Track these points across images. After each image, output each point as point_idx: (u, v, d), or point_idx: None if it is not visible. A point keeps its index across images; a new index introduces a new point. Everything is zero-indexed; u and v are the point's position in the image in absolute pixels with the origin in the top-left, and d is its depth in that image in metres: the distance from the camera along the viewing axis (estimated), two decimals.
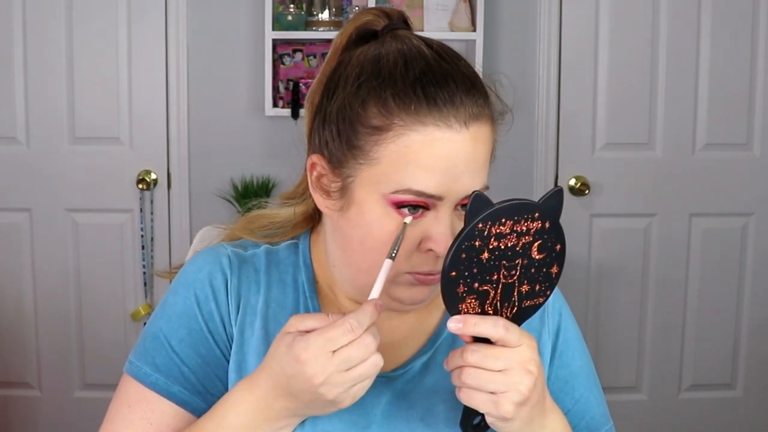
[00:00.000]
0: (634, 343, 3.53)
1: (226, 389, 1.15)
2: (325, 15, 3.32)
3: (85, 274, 3.42)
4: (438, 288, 1.12)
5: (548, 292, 1.04)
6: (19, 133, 3.35)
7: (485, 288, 1.00)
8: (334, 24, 3.32)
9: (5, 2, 3.27)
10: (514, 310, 1.03)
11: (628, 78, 3.40)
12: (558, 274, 1.03)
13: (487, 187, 1.09)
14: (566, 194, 2.99)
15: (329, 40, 3.31)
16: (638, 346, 3.54)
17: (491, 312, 1.02)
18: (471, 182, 1.07)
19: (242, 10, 3.35)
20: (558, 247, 1.02)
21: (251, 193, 3.30)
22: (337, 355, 0.97)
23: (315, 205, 1.24)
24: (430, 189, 1.05)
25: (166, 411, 1.14)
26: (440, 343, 1.21)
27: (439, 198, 1.06)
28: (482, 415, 1.03)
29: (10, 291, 3.42)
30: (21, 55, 3.30)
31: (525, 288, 1.02)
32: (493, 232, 0.97)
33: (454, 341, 1.20)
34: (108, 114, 3.36)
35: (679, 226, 3.48)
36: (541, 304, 1.05)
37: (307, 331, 1.00)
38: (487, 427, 1.05)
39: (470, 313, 1.01)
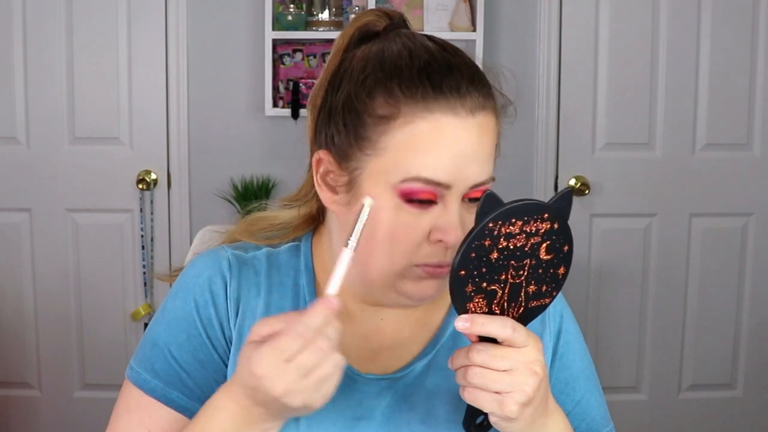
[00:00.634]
0: (634, 343, 3.54)
1: None
2: (325, 15, 3.32)
3: (85, 274, 3.42)
4: (445, 285, 1.13)
5: (554, 293, 1.04)
6: (19, 133, 3.35)
7: (493, 287, 1.00)
8: (334, 24, 3.32)
9: (5, 2, 3.27)
10: (521, 311, 1.04)
11: (628, 78, 3.40)
12: (565, 275, 1.04)
13: (493, 179, 1.10)
14: None
15: (329, 40, 3.33)
16: (638, 346, 3.54)
17: (498, 311, 1.02)
18: (478, 171, 1.08)
19: (242, 10, 3.35)
20: (566, 248, 1.02)
21: (251, 193, 3.30)
22: (292, 365, 0.94)
23: (318, 206, 1.24)
24: (439, 176, 1.06)
25: (164, 416, 1.14)
26: (442, 345, 1.21)
27: (448, 186, 1.06)
28: (485, 414, 1.04)
29: (10, 291, 3.41)
30: (21, 55, 3.30)
31: (532, 288, 1.02)
32: (503, 231, 0.97)
33: (455, 343, 1.20)
34: (108, 114, 3.36)
35: (679, 226, 3.48)
36: (547, 305, 1.05)
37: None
38: (489, 426, 1.06)
39: (477, 313, 1.01)
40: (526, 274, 1.01)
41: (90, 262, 3.42)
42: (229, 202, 3.36)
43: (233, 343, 1.17)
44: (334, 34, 3.31)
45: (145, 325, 3.35)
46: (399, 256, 1.09)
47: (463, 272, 0.98)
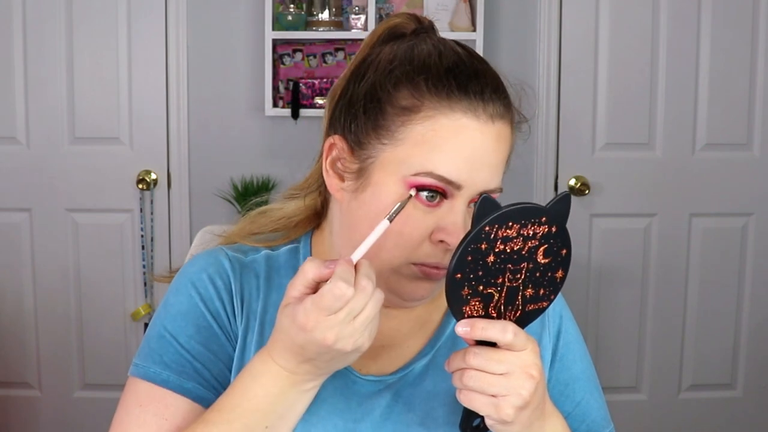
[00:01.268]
0: (634, 343, 3.54)
1: None
2: (325, 15, 3.32)
3: (85, 274, 3.42)
4: (438, 288, 1.13)
5: (552, 297, 1.04)
6: (19, 133, 3.35)
7: (490, 291, 1.00)
8: (334, 24, 3.32)
9: (5, 2, 3.27)
10: (518, 314, 1.03)
11: (628, 78, 3.40)
12: (563, 279, 1.04)
13: (501, 189, 1.11)
14: None
15: (329, 40, 3.33)
16: (638, 346, 3.54)
17: (495, 315, 1.02)
18: (489, 178, 1.09)
19: (242, 10, 3.35)
20: (564, 251, 1.02)
21: (251, 193, 3.30)
22: (340, 312, 0.96)
23: (322, 201, 1.24)
24: (451, 175, 1.07)
25: (181, 406, 1.13)
26: (440, 346, 1.21)
27: (458, 187, 1.07)
28: (482, 417, 1.03)
29: (10, 291, 3.42)
30: (21, 55, 3.30)
31: (529, 292, 1.02)
32: (500, 235, 0.97)
33: (454, 343, 1.20)
34: (108, 114, 3.36)
35: (679, 226, 3.48)
36: (544, 309, 1.05)
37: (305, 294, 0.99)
38: (486, 429, 1.06)
39: (474, 316, 1.01)
40: (523, 277, 1.01)
41: (90, 262, 3.42)
42: (229, 202, 3.36)
43: (238, 343, 1.17)
44: (334, 34, 3.32)
45: (145, 325, 3.35)
46: (398, 251, 1.09)
47: (459, 275, 0.98)
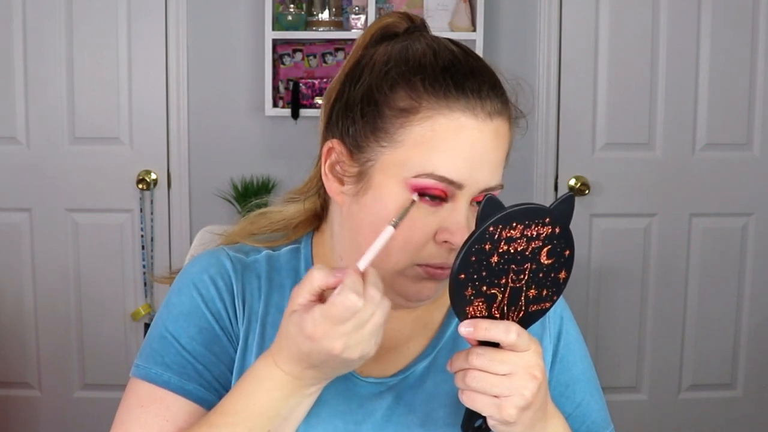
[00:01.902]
0: (634, 343, 3.54)
1: None
2: (325, 15, 3.32)
3: (85, 274, 3.42)
4: (443, 288, 1.12)
5: (555, 297, 1.04)
6: (19, 133, 3.35)
7: (493, 291, 1.00)
8: (334, 24, 3.32)
9: (5, 2, 3.27)
10: (521, 314, 1.03)
11: (628, 78, 3.40)
12: (566, 280, 1.04)
13: (501, 186, 1.11)
14: None
15: (329, 40, 3.33)
16: (638, 346, 3.54)
17: (498, 315, 1.02)
18: (490, 176, 1.09)
19: (242, 10, 3.35)
20: (567, 252, 1.02)
21: (251, 193, 3.30)
22: (348, 322, 0.96)
23: (322, 203, 1.24)
24: (452, 175, 1.06)
25: (182, 408, 1.12)
26: (441, 347, 1.21)
27: (460, 186, 1.07)
28: (484, 417, 1.03)
29: (10, 291, 3.41)
30: (21, 55, 3.30)
31: (532, 292, 1.02)
32: (504, 235, 0.97)
33: (455, 344, 1.20)
34: (108, 114, 3.36)
35: (679, 226, 3.48)
36: (547, 309, 1.05)
37: (312, 301, 0.99)
38: (488, 429, 1.05)
39: (477, 316, 1.01)
40: (526, 278, 1.01)
41: (90, 262, 3.42)
42: (229, 202, 3.36)
43: (239, 344, 1.17)
44: (334, 34, 3.32)
45: (146, 325, 3.35)
46: (402, 253, 1.09)
47: (462, 276, 0.98)
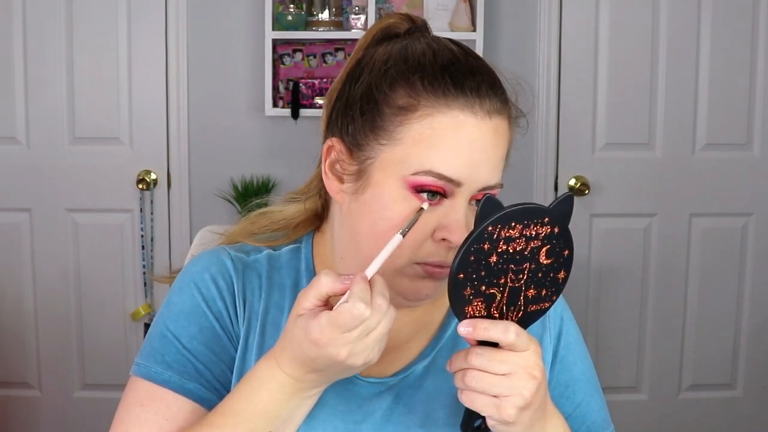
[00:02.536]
0: (634, 343, 3.54)
1: None
2: (325, 15, 3.32)
3: (85, 274, 3.42)
4: (442, 287, 1.12)
5: (554, 297, 1.04)
6: (19, 133, 3.35)
7: (492, 291, 1.00)
8: (334, 24, 3.32)
9: (5, 2, 3.27)
10: (520, 314, 1.03)
11: (628, 78, 3.40)
12: (565, 280, 1.04)
13: (501, 185, 1.11)
14: None
15: (329, 40, 3.33)
16: (638, 346, 3.54)
17: (497, 315, 1.02)
18: (489, 174, 1.09)
19: (242, 10, 3.35)
20: (566, 252, 1.02)
21: (251, 193, 3.30)
22: (355, 330, 0.97)
23: (323, 203, 1.24)
24: (451, 172, 1.06)
25: (182, 407, 1.12)
26: (441, 347, 1.21)
27: (458, 184, 1.07)
28: (483, 417, 1.03)
29: (10, 291, 3.41)
30: (21, 55, 3.30)
31: (531, 292, 1.02)
32: (503, 235, 0.97)
33: (455, 344, 1.20)
34: (108, 114, 3.36)
35: (679, 226, 3.48)
36: (546, 309, 1.05)
37: (318, 306, 1.00)
38: (487, 429, 1.05)
39: (476, 316, 1.01)
40: (525, 278, 1.01)
41: (90, 262, 3.42)
42: (229, 202, 3.36)
43: (240, 343, 1.17)
44: (334, 34, 3.32)
45: (146, 325, 3.35)
46: (401, 252, 1.08)
47: (461, 275, 0.98)
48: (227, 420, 1.05)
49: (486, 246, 0.97)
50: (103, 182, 3.39)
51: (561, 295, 1.24)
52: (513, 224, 0.97)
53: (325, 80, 3.32)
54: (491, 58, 3.30)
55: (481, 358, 1.00)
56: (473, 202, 1.10)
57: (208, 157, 3.40)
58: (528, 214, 0.98)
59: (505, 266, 0.99)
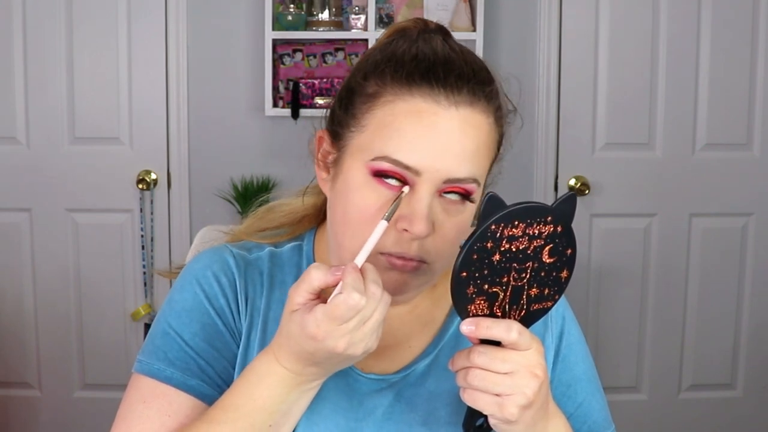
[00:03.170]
0: (634, 343, 3.54)
1: None
2: (325, 15, 3.32)
3: (85, 274, 3.42)
4: (419, 285, 1.12)
5: (557, 296, 1.04)
6: (19, 133, 3.35)
7: (495, 290, 1.00)
8: (334, 24, 3.32)
9: (5, 2, 3.27)
10: (522, 313, 1.03)
11: (628, 78, 3.40)
12: (567, 279, 1.03)
13: (475, 180, 1.09)
14: None
15: (329, 40, 3.33)
16: (638, 346, 3.54)
17: (499, 314, 1.02)
18: (455, 166, 1.07)
19: (242, 10, 3.35)
20: (569, 251, 1.02)
21: (251, 193, 3.30)
22: (351, 321, 0.96)
23: (324, 199, 1.24)
24: (407, 160, 1.06)
25: (184, 403, 1.12)
26: (443, 346, 1.21)
27: (417, 173, 1.06)
28: (485, 416, 1.03)
29: (10, 291, 3.41)
30: (21, 55, 3.30)
31: (534, 291, 1.02)
32: (506, 234, 0.97)
33: (457, 343, 1.20)
34: (108, 114, 3.36)
35: (679, 226, 3.48)
36: (549, 308, 1.05)
37: (311, 300, 0.99)
38: (489, 428, 1.05)
39: (479, 315, 1.01)
40: (528, 276, 1.01)
41: (90, 262, 3.42)
42: (229, 202, 3.36)
43: (242, 341, 1.17)
44: (334, 34, 3.32)
45: (146, 325, 3.35)
46: (361, 239, 1.06)
47: (464, 274, 0.98)
48: (227, 415, 1.05)
49: (489, 244, 0.97)
50: (103, 182, 3.39)
51: (563, 296, 1.24)
52: (516, 223, 0.97)
53: (325, 80, 3.32)
54: (491, 58, 3.32)
55: (483, 356, 0.99)
56: (443, 194, 1.08)
57: (208, 157, 3.40)
58: (531, 212, 0.98)
59: (507, 265, 0.99)
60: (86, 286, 3.43)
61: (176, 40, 3.33)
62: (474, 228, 0.98)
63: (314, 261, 1.22)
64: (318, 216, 1.27)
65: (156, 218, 3.42)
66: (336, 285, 0.98)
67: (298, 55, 3.35)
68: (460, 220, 1.10)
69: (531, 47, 3.41)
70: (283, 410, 1.05)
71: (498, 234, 0.97)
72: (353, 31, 3.32)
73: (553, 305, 1.05)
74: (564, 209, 1.00)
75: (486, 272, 0.98)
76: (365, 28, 3.30)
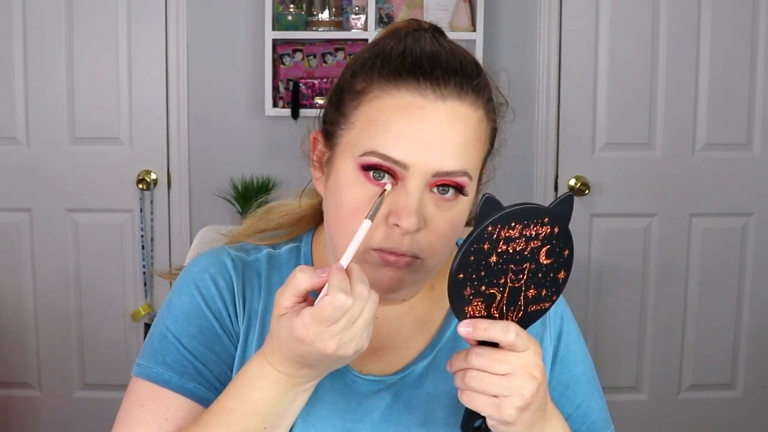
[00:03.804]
0: (634, 343, 3.54)
1: None
2: (325, 15, 3.32)
3: (85, 274, 3.42)
4: (413, 282, 1.12)
5: (554, 297, 1.04)
6: (19, 133, 3.34)
7: (492, 291, 1.00)
8: (334, 24, 3.32)
9: (5, 2, 3.27)
10: (520, 314, 1.03)
11: (628, 78, 3.40)
12: (565, 280, 1.03)
13: (465, 173, 1.08)
14: None
15: (329, 40, 3.33)
16: (638, 346, 3.54)
17: (497, 315, 1.02)
18: (443, 159, 1.07)
19: (242, 10, 3.35)
20: (566, 252, 1.02)
21: (251, 193, 3.30)
22: (339, 321, 0.96)
23: (321, 199, 1.24)
24: (395, 154, 1.06)
25: (182, 407, 1.13)
26: (441, 347, 1.21)
27: (405, 166, 1.06)
28: (483, 417, 1.03)
29: (10, 291, 3.41)
30: (21, 55, 3.30)
31: (531, 292, 1.02)
32: (503, 235, 0.97)
33: (455, 345, 1.20)
34: (108, 114, 3.36)
35: (679, 226, 3.48)
36: (546, 309, 1.05)
37: (298, 303, 0.99)
38: (487, 429, 1.05)
39: (476, 316, 1.01)
40: (525, 278, 1.01)
41: (90, 262, 3.42)
42: (229, 202, 3.36)
43: (239, 343, 1.17)
44: (334, 34, 3.32)
45: (146, 325, 3.35)
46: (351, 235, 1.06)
47: (461, 275, 0.98)
48: (221, 418, 1.05)
49: (486, 246, 0.97)
50: (103, 182, 3.39)
51: (562, 297, 1.24)
52: (513, 224, 0.97)
53: (325, 80, 3.32)
54: (491, 58, 3.32)
55: (481, 358, 0.99)
56: (434, 189, 1.08)
57: (208, 157, 3.40)
58: (528, 214, 0.98)
59: (505, 266, 0.99)
60: (86, 286, 3.43)
61: (176, 40, 3.33)
62: (471, 230, 0.98)
63: (312, 262, 1.22)
64: (316, 217, 1.27)
65: (156, 218, 3.42)
66: (323, 287, 0.98)
67: (298, 55, 3.35)
68: (453, 215, 1.10)
69: (531, 47, 3.40)
70: (278, 413, 1.05)
71: (495, 235, 0.97)
72: (353, 31, 3.32)
73: (550, 306, 1.05)
74: (561, 210, 1.00)
75: (483, 274, 0.98)
76: (365, 28, 3.30)
